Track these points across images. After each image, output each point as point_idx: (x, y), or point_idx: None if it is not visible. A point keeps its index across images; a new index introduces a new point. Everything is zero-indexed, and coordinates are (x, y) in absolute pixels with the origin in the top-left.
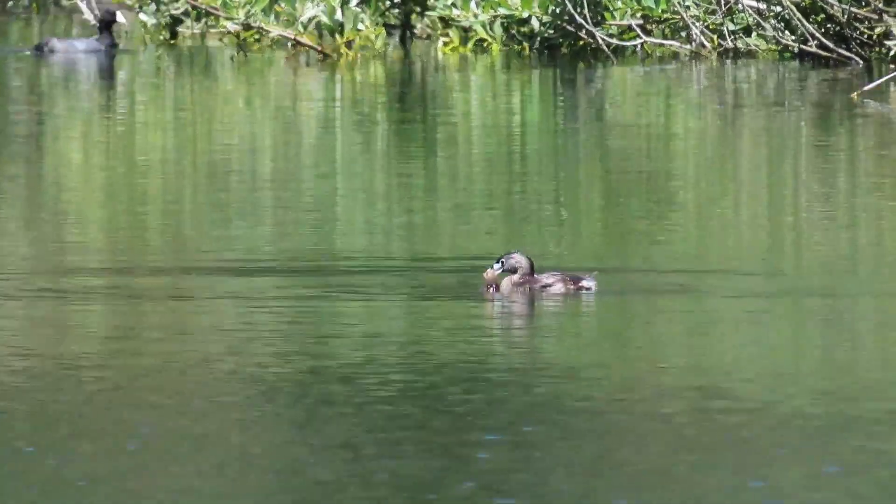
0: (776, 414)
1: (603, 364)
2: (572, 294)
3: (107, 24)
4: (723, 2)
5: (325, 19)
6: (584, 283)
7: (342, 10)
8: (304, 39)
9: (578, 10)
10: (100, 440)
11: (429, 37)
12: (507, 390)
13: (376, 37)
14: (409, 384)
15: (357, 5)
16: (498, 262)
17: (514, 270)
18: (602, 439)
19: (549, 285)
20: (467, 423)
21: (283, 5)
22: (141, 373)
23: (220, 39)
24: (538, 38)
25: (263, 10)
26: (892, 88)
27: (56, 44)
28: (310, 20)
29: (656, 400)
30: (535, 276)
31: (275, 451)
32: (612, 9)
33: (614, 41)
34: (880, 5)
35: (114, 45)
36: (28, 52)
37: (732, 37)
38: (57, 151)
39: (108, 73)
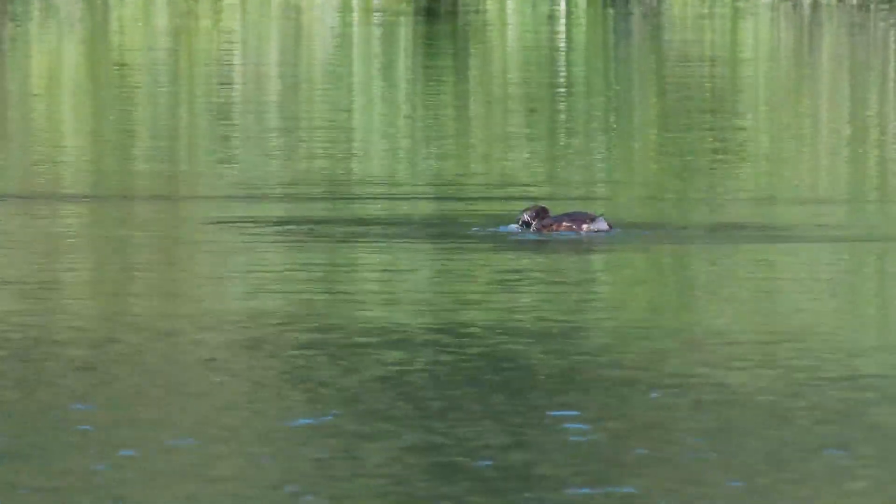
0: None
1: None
2: (583, 236)
3: None
4: None
5: None
6: (596, 226)
7: None
8: None
9: None
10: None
11: None
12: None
13: None
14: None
15: None
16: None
17: (529, 222)
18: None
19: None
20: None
21: None
22: (132, 322)
23: None
24: None
25: None
26: None
27: None
28: None
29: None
30: (554, 217)
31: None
32: None
33: None
34: None
35: None
36: None
37: None
38: (30, 58)
39: None
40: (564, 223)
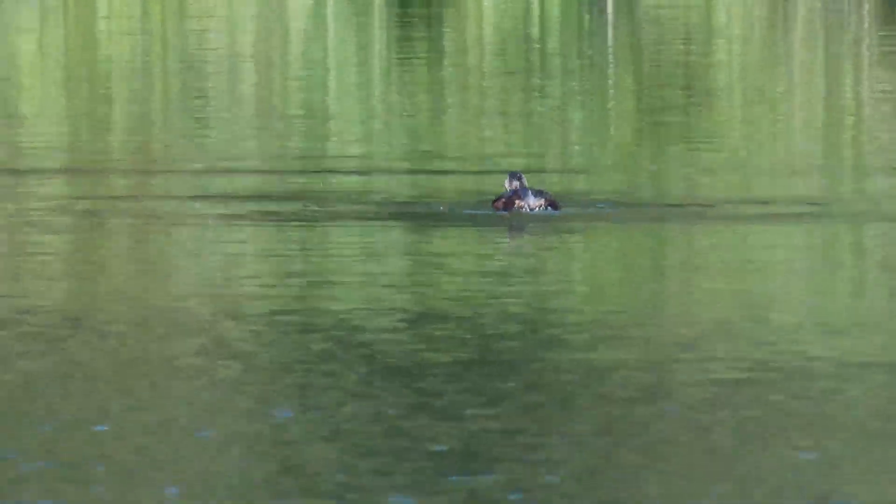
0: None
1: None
2: (513, 213)
3: None
4: None
5: None
6: (527, 202)
7: None
8: None
9: None
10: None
11: None
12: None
13: None
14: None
15: None
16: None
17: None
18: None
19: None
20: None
21: None
22: (100, 303)
23: None
24: None
25: None
26: None
27: None
28: None
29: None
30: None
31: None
32: None
33: None
34: None
35: None
36: None
37: None
38: (7, 40)
39: None
40: (503, 200)
